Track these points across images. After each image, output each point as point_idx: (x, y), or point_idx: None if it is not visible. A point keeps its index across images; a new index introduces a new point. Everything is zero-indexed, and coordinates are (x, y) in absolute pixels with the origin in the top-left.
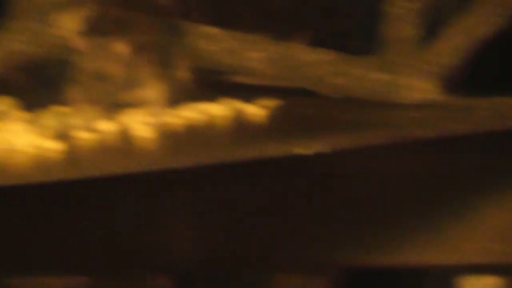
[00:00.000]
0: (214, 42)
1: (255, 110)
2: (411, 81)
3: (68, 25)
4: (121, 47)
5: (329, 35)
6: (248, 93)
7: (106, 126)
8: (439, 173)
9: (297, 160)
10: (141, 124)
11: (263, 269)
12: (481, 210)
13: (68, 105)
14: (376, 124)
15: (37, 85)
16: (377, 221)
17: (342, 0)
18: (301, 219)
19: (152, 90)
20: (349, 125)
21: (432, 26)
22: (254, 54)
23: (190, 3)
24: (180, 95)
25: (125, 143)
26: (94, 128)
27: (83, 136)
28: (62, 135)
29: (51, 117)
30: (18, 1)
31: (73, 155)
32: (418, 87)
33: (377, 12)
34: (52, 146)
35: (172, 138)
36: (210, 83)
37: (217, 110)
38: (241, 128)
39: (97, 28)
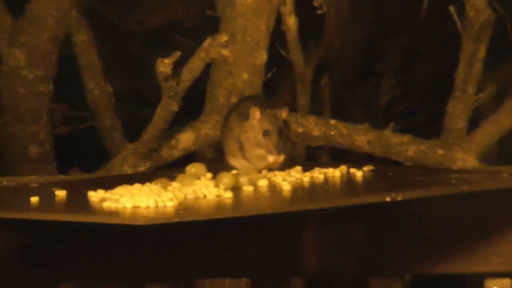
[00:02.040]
0: (332, 129)
1: (359, 173)
2: (459, 155)
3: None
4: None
5: (410, 126)
6: (356, 161)
7: (262, 183)
8: (476, 213)
9: (385, 205)
10: (283, 181)
11: (363, 274)
12: (504, 238)
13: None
14: (435, 182)
15: (219, 155)
16: (435, 244)
17: (420, 104)
18: (388, 242)
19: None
20: (418, 183)
21: (474, 120)
22: (359, 137)
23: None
24: (309, 164)
25: (273, 193)
26: (254, 184)
27: (247, 189)
28: (233, 188)
29: (227, 177)
30: (208, 102)
31: (240, 200)
32: (464, 158)
33: (442, 111)
34: (227, 195)
35: (302, 190)
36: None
37: (334, 172)
38: (349, 184)
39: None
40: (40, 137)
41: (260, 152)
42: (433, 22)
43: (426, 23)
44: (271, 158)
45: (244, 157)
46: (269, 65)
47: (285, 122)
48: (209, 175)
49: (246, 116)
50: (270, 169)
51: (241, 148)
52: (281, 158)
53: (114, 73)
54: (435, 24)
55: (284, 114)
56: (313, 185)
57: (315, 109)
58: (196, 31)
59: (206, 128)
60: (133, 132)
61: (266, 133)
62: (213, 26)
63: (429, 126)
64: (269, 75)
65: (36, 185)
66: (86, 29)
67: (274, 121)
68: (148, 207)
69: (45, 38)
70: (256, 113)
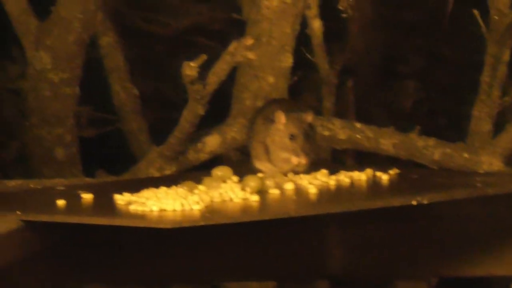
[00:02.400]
0: (358, 132)
1: (385, 176)
2: (485, 158)
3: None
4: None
5: (434, 129)
6: (381, 164)
7: (288, 186)
8: (502, 216)
9: (410, 207)
10: (309, 184)
11: (388, 277)
12: None
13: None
14: (460, 185)
15: (245, 159)
16: (460, 246)
17: (443, 108)
18: (413, 244)
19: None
20: (443, 186)
21: (500, 124)
22: (385, 140)
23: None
24: (335, 167)
25: (299, 196)
26: (281, 187)
27: (273, 192)
28: (259, 191)
29: (253, 180)
30: (234, 105)
31: (266, 203)
32: (489, 162)
33: (466, 114)
34: (253, 198)
35: (328, 193)
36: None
37: (360, 175)
38: (374, 187)
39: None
40: (66, 140)
41: (286, 155)
42: (454, 25)
43: (448, 26)
44: (296, 160)
45: (270, 160)
46: (294, 69)
47: (311, 125)
48: (235, 178)
49: (271, 120)
50: (296, 172)
51: (267, 151)
52: (306, 160)
53: (139, 75)
54: (457, 26)
55: (309, 117)
56: (339, 188)
57: (340, 112)
58: (222, 34)
59: (232, 131)
60: (158, 134)
61: (292, 137)
62: (238, 29)
63: (450, 128)
64: (295, 78)
65: (62, 188)
66: (112, 31)
67: (299, 124)
68: (174, 210)
69: (71, 41)
70: (281, 117)
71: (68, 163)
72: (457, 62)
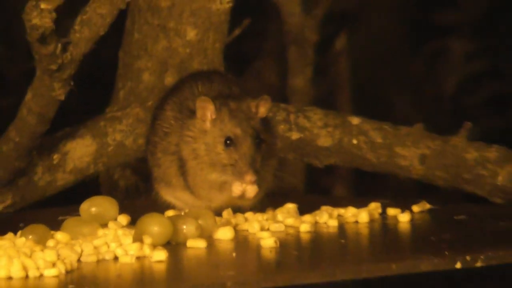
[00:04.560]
0: (355, 134)
1: (404, 216)
2: None
3: None
4: None
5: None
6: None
7: (223, 234)
8: None
9: (452, 274)
10: (262, 231)
11: None
12: None
13: None
14: None
15: (141, 183)
16: None
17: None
18: None
19: None
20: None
21: None
22: (405, 150)
23: None
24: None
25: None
26: (208, 235)
27: (195, 245)
28: (169, 244)
29: (158, 222)
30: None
31: (181, 268)
32: None
33: None
34: (156, 257)
35: (298, 248)
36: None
37: (357, 215)
38: (385, 237)
39: None
40: None
41: (219, 177)
42: None
43: None
44: (238, 186)
45: (189, 186)
46: (238, 15)
47: (265, 122)
48: (123, 218)
49: (191, 111)
50: (238, 208)
51: (183, 169)
52: (257, 187)
53: None
54: None
55: (262, 108)
56: (318, 238)
57: (324, 97)
58: None
59: (117, 131)
60: None
61: (229, 142)
62: None
63: None
64: (236, 32)
65: None
66: None
67: (244, 120)
68: (9, 279)
69: None
70: (209, 107)
71: None
72: None
